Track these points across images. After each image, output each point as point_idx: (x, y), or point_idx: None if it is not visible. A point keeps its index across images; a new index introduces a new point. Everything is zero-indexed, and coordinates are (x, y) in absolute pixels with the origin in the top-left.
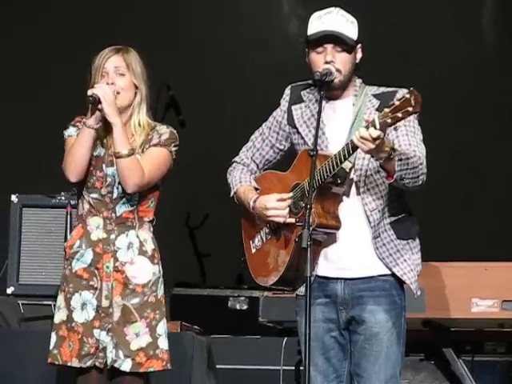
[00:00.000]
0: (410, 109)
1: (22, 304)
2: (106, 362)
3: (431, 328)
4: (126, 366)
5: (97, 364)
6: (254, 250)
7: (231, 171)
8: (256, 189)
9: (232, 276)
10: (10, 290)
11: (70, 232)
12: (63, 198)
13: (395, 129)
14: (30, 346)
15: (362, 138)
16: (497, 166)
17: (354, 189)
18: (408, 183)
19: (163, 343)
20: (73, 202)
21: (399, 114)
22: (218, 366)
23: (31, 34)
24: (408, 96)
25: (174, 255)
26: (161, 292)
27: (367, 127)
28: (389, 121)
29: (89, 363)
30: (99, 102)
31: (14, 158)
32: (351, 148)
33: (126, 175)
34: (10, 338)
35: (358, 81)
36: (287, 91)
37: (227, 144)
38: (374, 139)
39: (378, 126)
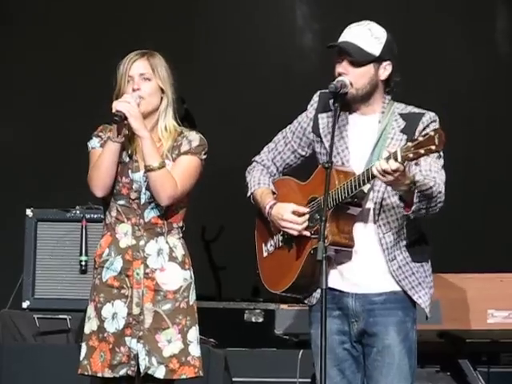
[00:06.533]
0: (433, 147)
1: (38, 318)
2: (139, 369)
3: (447, 339)
4: (159, 372)
5: (129, 373)
6: (265, 254)
7: (251, 170)
8: (273, 193)
9: (248, 289)
10: (25, 304)
11: (86, 246)
12: (78, 211)
13: (416, 164)
14: (46, 360)
15: (383, 170)
16: None
17: (370, 210)
18: (425, 213)
19: (195, 350)
20: (88, 216)
21: (422, 151)
22: (234, 379)
23: (51, 45)
24: (432, 134)
25: None
26: (193, 298)
27: (388, 158)
28: (410, 155)
29: (122, 372)
30: (125, 118)
31: (29, 172)
32: (371, 175)
33: (159, 188)
34: (25, 352)
35: (388, 97)
36: (315, 98)
37: (242, 156)
38: (394, 171)
39: (399, 159)
